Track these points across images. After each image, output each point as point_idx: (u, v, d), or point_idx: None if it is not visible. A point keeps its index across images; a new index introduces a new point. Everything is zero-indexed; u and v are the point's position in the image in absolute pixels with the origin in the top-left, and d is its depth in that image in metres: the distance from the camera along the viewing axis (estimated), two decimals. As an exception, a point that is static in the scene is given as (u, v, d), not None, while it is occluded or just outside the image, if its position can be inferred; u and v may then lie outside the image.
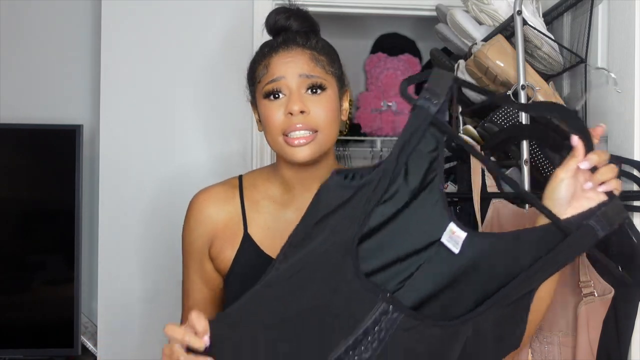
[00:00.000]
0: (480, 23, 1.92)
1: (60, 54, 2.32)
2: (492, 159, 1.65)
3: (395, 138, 3.24)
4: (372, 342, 0.94)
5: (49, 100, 2.30)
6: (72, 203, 2.03)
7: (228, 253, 1.25)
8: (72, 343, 2.02)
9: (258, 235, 1.24)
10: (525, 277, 0.93)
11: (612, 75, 1.53)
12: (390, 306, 0.93)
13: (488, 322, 0.96)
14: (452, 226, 0.96)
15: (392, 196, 0.95)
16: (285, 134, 1.17)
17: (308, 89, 1.18)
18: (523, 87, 1.63)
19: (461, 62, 1.91)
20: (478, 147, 1.62)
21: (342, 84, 1.26)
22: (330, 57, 1.25)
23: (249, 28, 2.10)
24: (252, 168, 1.90)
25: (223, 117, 2.18)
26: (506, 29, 1.75)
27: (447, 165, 2.07)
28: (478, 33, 1.91)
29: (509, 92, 1.66)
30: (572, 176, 0.97)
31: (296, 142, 1.16)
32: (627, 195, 1.51)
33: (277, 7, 1.26)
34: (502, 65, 1.71)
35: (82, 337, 2.08)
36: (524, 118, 1.63)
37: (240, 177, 1.30)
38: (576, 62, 1.72)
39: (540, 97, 1.69)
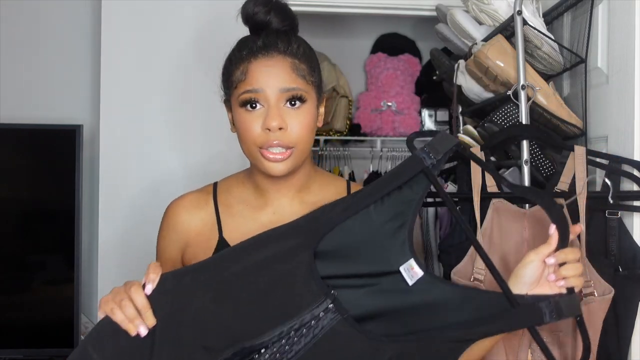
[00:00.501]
0: (480, 23, 1.92)
1: (60, 54, 2.32)
2: (492, 159, 1.65)
3: (395, 138, 3.25)
4: (307, 335, 1.00)
5: (49, 100, 2.30)
6: (72, 203, 2.03)
7: (201, 258, 1.20)
8: (72, 343, 2.02)
9: (233, 240, 1.21)
10: (463, 332, 1.01)
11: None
12: (332, 305, 1.01)
13: (415, 353, 1.02)
14: (412, 263, 1.04)
15: (366, 214, 1.04)
16: (261, 147, 1.14)
17: (287, 101, 1.14)
18: (523, 87, 1.63)
19: (461, 62, 1.91)
20: (479, 148, 1.62)
21: (320, 91, 1.22)
22: (310, 64, 1.18)
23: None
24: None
25: (224, 118, 2.17)
26: (506, 29, 1.75)
27: (447, 165, 2.07)
28: (478, 33, 1.91)
29: (509, 92, 1.66)
30: (541, 261, 1.02)
31: (272, 157, 1.14)
32: (627, 195, 1.51)
33: None
34: (502, 65, 1.71)
35: (82, 337, 2.07)
36: (523, 118, 1.63)
37: (215, 184, 1.30)
38: (576, 62, 1.72)
39: (540, 97, 1.69)
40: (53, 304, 2.05)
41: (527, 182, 1.61)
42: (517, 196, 1.58)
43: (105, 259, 2.15)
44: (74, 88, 2.32)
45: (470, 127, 1.80)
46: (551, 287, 1.03)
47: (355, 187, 1.29)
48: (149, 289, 1.02)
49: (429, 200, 2.15)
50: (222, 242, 1.23)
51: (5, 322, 2.04)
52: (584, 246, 1.45)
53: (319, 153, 3.18)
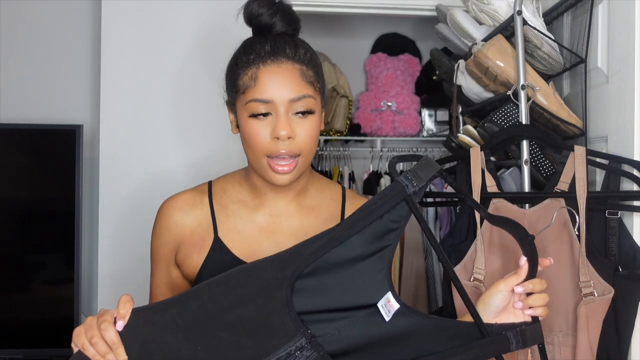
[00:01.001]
0: (480, 23, 1.92)
1: (60, 54, 2.32)
2: (492, 159, 1.65)
3: (395, 138, 3.25)
4: None
5: (49, 100, 2.30)
6: (72, 203, 2.03)
7: (195, 258, 1.23)
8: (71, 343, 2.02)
9: (229, 240, 1.22)
10: (436, 355, 1.03)
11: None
12: (308, 343, 1.01)
13: None
14: (389, 296, 1.04)
15: (347, 246, 1.03)
16: (268, 156, 1.14)
17: (297, 112, 1.14)
18: (523, 87, 1.63)
19: (461, 62, 1.91)
20: (479, 148, 1.62)
21: (324, 96, 1.22)
22: (316, 70, 1.18)
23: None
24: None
25: (225, 118, 2.17)
26: (506, 29, 1.75)
27: (447, 165, 2.07)
28: (478, 33, 1.91)
29: (509, 92, 1.66)
30: (510, 291, 1.06)
31: (280, 169, 1.13)
32: (627, 195, 1.51)
33: None
34: (502, 65, 1.71)
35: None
36: (523, 118, 1.63)
37: (210, 183, 1.28)
38: (576, 62, 1.72)
39: (540, 97, 1.69)
40: (53, 304, 2.05)
41: (527, 182, 1.61)
42: (517, 196, 1.58)
43: (105, 259, 2.15)
44: (74, 88, 2.32)
45: (470, 127, 1.80)
46: (516, 315, 1.07)
47: (350, 194, 1.30)
48: (120, 325, 1.00)
49: (429, 200, 2.15)
50: (217, 242, 1.22)
51: (5, 322, 2.04)
52: (583, 246, 1.45)
53: (319, 153, 3.18)
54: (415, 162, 1.07)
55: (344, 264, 1.03)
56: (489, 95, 1.86)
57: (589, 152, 1.54)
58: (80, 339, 1.00)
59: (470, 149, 1.62)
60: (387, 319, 1.03)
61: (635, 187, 1.50)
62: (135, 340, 1.00)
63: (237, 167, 1.35)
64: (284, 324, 1.01)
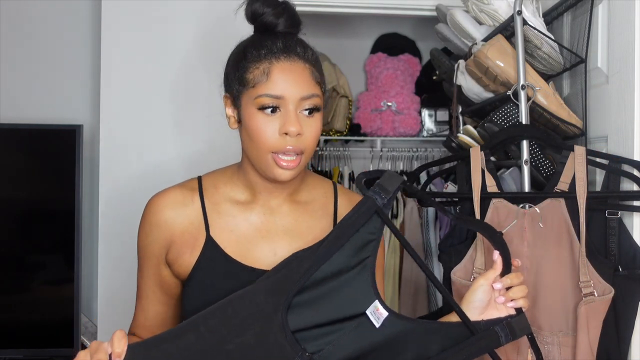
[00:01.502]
0: (480, 23, 1.92)
1: (60, 54, 2.32)
2: (492, 159, 1.65)
3: (395, 138, 3.25)
4: None
5: (49, 100, 2.30)
6: (72, 203, 2.03)
7: (187, 257, 1.20)
8: (72, 343, 2.02)
9: (221, 239, 1.20)
10: None
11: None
12: None
13: None
14: (377, 304, 1.08)
15: (330, 263, 1.07)
16: (274, 152, 1.14)
17: (306, 110, 1.15)
18: (523, 87, 1.63)
19: (461, 62, 1.91)
20: (479, 148, 1.62)
21: (325, 96, 1.23)
22: (320, 71, 1.19)
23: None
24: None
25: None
26: (506, 29, 1.75)
27: (447, 165, 2.07)
28: (478, 33, 1.91)
29: (509, 92, 1.66)
30: (489, 285, 1.11)
31: (285, 164, 1.13)
32: (627, 195, 1.51)
33: None
34: (502, 65, 1.71)
35: (82, 337, 2.08)
36: (523, 118, 1.63)
37: (199, 179, 1.26)
38: (576, 62, 1.72)
39: (540, 97, 1.69)
40: (53, 304, 2.05)
41: (527, 182, 1.61)
42: (517, 196, 1.58)
43: (105, 259, 2.15)
44: (74, 88, 2.33)
45: (470, 127, 1.80)
46: (499, 309, 1.12)
47: (342, 189, 1.31)
48: None
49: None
50: (209, 241, 1.20)
51: (5, 322, 2.04)
52: (584, 246, 1.45)
53: (319, 153, 3.18)
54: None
55: (330, 279, 1.07)
56: (489, 95, 1.86)
57: (589, 152, 1.54)
58: None
59: (470, 149, 1.62)
60: (377, 325, 1.07)
61: (635, 187, 1.50)
62: None
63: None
64: (281, 347, 1.04)
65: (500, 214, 1.54)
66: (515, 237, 1.53)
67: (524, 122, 1.63)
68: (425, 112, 3.29)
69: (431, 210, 2.87)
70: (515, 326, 1.10)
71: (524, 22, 1.66)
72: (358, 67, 3.45)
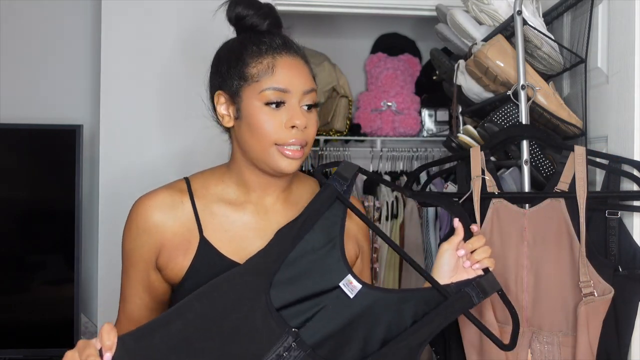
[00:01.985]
0: (480, 23, 1.92)
1: (60, 54, 2.32)
2: (492, 159, 1.65)
3: (395, 138, 3.25)
4: None
5: (49, 100, 2.30)
6: (72, 203, 2.03)
7: (180, 261, 1.18)
8: (72, 343, 2.02)
9: (216, 240, 1.19)
10: (411, 338, 1.12)
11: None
12: (294, 343, 1.08)
13: None
14: (350, 277, 1.16)
15: (304, 243, 1.16)
16: (278, 145, 1.15)
17: (305, 105, 1.17)
18: (523, 87, 1.63)
19: (461, 62, 1.91)
20: (479, 148, 1.62)
21: None
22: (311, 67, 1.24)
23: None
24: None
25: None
26: (506, 29, 1.75)
27: (447, 165, 2.07)
28: (478, 33, 1.91)
29: (509, 92, 1.66)
30: (454, 249, 1.19)
31: (291, 154, 1.15)
32: (627, 195, 1.51)
33: None
34: (502, 65, 1.71)
35: (82, 337, 2.08)
36: (523, 118, 1.63)
37: (187, 180, 1.24)
38: (576, 62, 1.72)
39: (540, 97, 1.69)
40: (53, 304, 2.05)
41: (527, 182, 1.61)
42: (517, 196, 1.58)
43: (105, 259, 2.15)
44: (74, 88, 2.33)
45: (470, 127, 1.80)
46: (468, 272, 1.19)
47: None
48: (108, 357, 0.98)
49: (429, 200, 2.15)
50: (204, 243, 1.18)
51: (6, 322, 2.04)
52: (583, 246, 1.45)
53: (319, 153, 3.18)
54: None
55: (305, 256, 1.15)
56: (489, 95, 1.86)
57: (589, 152, 1.54)
58: None
59: (470, 149, 1.62)
60: (351, 296, 1.14)
61: (635, 187, 1.50)
62: None
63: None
64: (269, 326, 1.08)
65: (500, 213, 1.54)
66: (515, 237, 1.53)
67: (524, 122, 1.63)
68: (425, 112, 3.29)
69: (431, 210, 2.86)
70: (485, 284, 1.16)
71: (524, 22, 1.66)
72: (358, 67, 3.45)
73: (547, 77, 1.81)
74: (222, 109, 1.21)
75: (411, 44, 3.46)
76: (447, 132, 3.11)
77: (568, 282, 1.48)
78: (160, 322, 1.05)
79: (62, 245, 2.06)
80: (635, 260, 1.48)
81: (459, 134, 1.86)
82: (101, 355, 0.98)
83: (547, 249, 1.51)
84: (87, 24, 2.33)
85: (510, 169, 1.72)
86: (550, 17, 1.86)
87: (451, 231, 1.61)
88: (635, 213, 1.50)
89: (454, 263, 1.19)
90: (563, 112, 1.69)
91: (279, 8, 1.40)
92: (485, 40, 1.85)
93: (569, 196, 1.50)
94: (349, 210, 1.21)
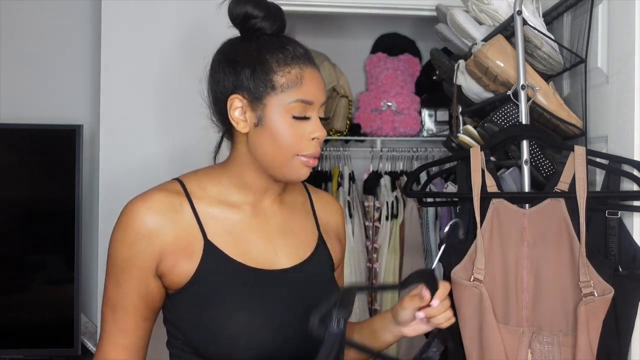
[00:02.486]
0: (480, 23, 1.92)
1: (60, 54, 2.32)
2: (492, 159, 1.65)
3: (395, 138, 3.25)
4: None
5: (49, 100, 2.30)
6: (72, 203, 2.02)
7: (185, 266, 1.12)
8: (72, 343, 2.02)
9: (221, 242, 1.15)
10: None
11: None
12: None
13: None
14: None
15: None
16: (299, 155, 1.14)
17: (320, 115, 1.18)
18: (523, 87, 1.63)
19: (461, 62, 1.91)
20: (479, 148, 1.62)
21: None
22: None
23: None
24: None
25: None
26: (506, 29, 1.75)
27: (447, 165, 2.07)
28: (478, 33, 1.91)
29: (509, 92, 1.66)
30: (414, 310, 1.20)
31: (312, 162, 1.16)
32: (627, 195, 1.51)
33: None
34: (502, 65, 1.71)
35: (82, 337, 2.07)
36: (523, 118, 1.63)
37: (180, 181, 1.19)
38: (576, 62, 1.72)
39: (540, 97, 1.69)
40: (53, 304, 2.05)
41: (527, 182, 1.61)
42: (517, 196, 1.58)
43: (105, 259, 2.15)
44: (74, 88, 2.33)
45: (470, 127, 1.80)
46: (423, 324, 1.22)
47: (311, 188, 1.36)
48: None
49: (429, 200, 2.15)
50: (209, 246, 1.14)
51: (5, 322, 2.04)
52: (583, 246, 1.45)
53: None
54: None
55: None
56: (489, 95, 1.86)
57: (589, 152, 1.54)
58: None
59: (470, 149, 1.62)
60: None
61: (635, 187, 1.50)
62: None
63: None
64: None
65: (500, 214, 1.54)
66: (515, 237, 1.53)
67: (524, 122, 1.63)
68: (425, 112, 3.29)
69: (431, 210, 2.87)
70: (441, 338, 1.20)
71: (524, 22, 1.66)
72: (358, 67, 3.45)
73: (547, 77, 1.81)
74: (236, 113, 1.16)
75: (411, 44, 3.46)
76: (447, 132, 3.11)
77: (568, 282, 1.48)
78: None
79: (62, 245, 2.05)
80: (635, 260, 1.48)
81: (459, 134, 1.86)
82: None
83: (547, 249, 1.51)
84: (87, 24, 2.33)
85: (510, 169, 1.72)
86: (550, 17, 1.86)
87: (451, 232, 1.61)
88: (635, 213, 1.50)
89: (410, 318, 1.22)
90: (563, 112, 1.69)
91: (279, 8, 1.40)
92: (485, 40, 1.85)
93: (569, 196, 1.50)
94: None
